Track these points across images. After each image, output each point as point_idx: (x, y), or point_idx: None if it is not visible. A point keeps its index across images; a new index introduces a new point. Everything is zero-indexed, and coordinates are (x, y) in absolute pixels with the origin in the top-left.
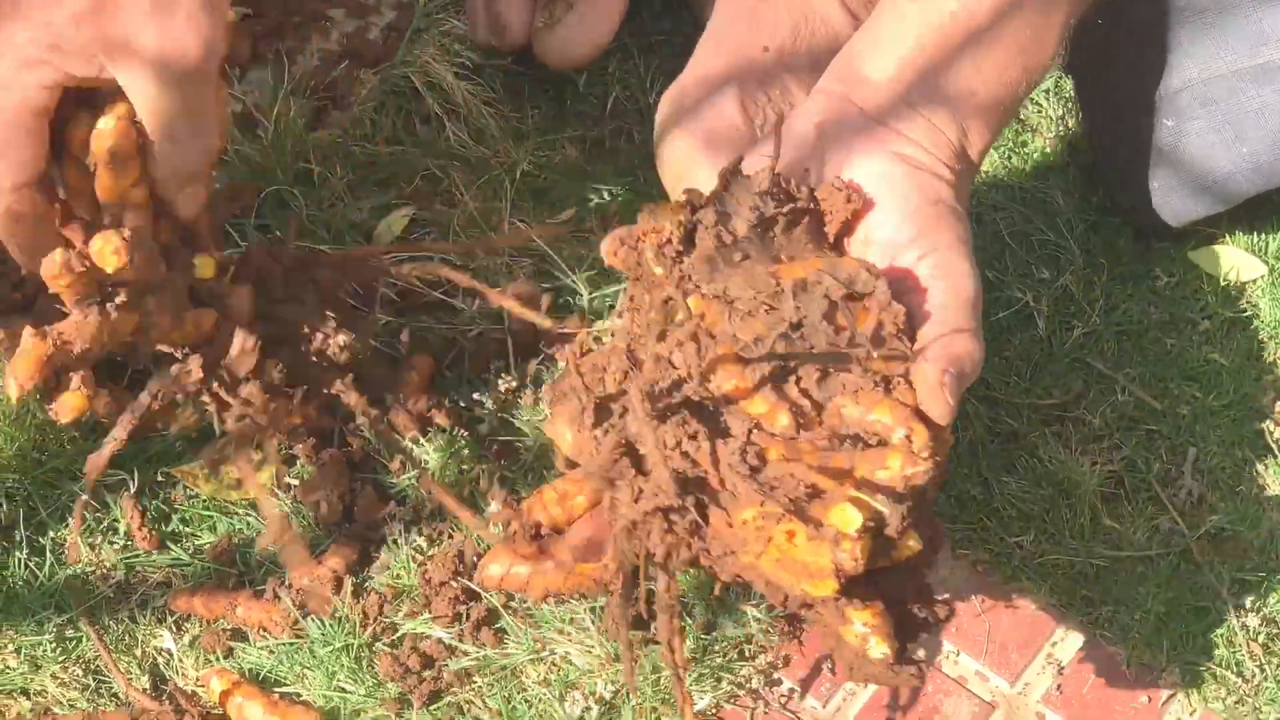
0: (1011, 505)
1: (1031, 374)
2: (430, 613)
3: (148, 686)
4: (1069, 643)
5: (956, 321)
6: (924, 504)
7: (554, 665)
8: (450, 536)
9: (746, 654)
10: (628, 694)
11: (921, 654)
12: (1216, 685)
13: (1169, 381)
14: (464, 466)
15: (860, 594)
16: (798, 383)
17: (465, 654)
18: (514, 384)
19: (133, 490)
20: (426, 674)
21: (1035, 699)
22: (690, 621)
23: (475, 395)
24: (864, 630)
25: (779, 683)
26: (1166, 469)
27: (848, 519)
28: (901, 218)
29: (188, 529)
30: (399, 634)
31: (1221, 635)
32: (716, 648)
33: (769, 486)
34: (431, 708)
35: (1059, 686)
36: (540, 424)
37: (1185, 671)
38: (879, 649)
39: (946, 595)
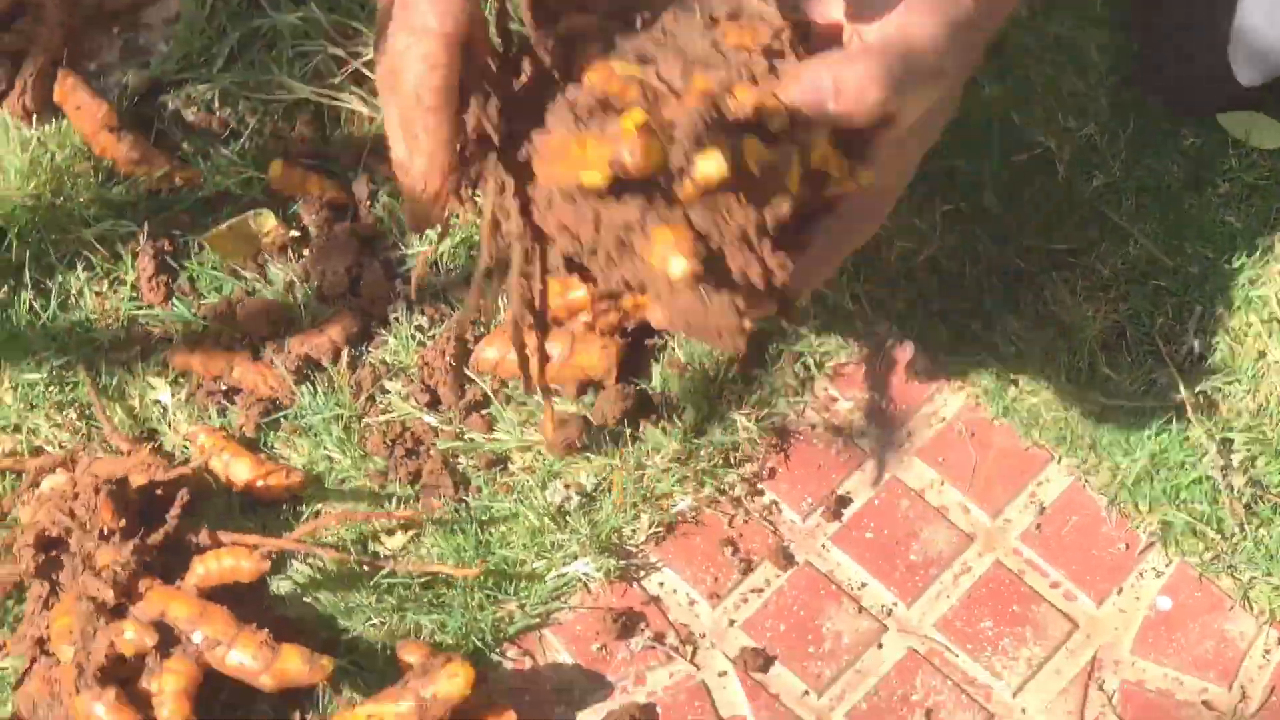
0: (1011, 344)
1: (1046, 219)
2: (423, 393)
3: (138, 437)
4: (1053, 484)
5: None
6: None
7: (539, 454)
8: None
9: (732, 461)
10: (609, 487)
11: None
12: (1195, 540)
13: (1183, 240)
14: (473, 251)
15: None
16: (658, 72)
17: (453, 436)
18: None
19: (143, 243)
20: (413, 453)
21: (1014, 535)
22: (679, 424)
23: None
24: (665, 249)
25: (761, 493)
26: (1170, 325)
27: (631, 119)
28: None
29: (196, 287)
30: (391, 413)
31: (1205, 492)
32: (703, 452)
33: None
34: (415, 486)
35: (1039, 526)
36: None
37: (1165, 523)
38: (678, 264)
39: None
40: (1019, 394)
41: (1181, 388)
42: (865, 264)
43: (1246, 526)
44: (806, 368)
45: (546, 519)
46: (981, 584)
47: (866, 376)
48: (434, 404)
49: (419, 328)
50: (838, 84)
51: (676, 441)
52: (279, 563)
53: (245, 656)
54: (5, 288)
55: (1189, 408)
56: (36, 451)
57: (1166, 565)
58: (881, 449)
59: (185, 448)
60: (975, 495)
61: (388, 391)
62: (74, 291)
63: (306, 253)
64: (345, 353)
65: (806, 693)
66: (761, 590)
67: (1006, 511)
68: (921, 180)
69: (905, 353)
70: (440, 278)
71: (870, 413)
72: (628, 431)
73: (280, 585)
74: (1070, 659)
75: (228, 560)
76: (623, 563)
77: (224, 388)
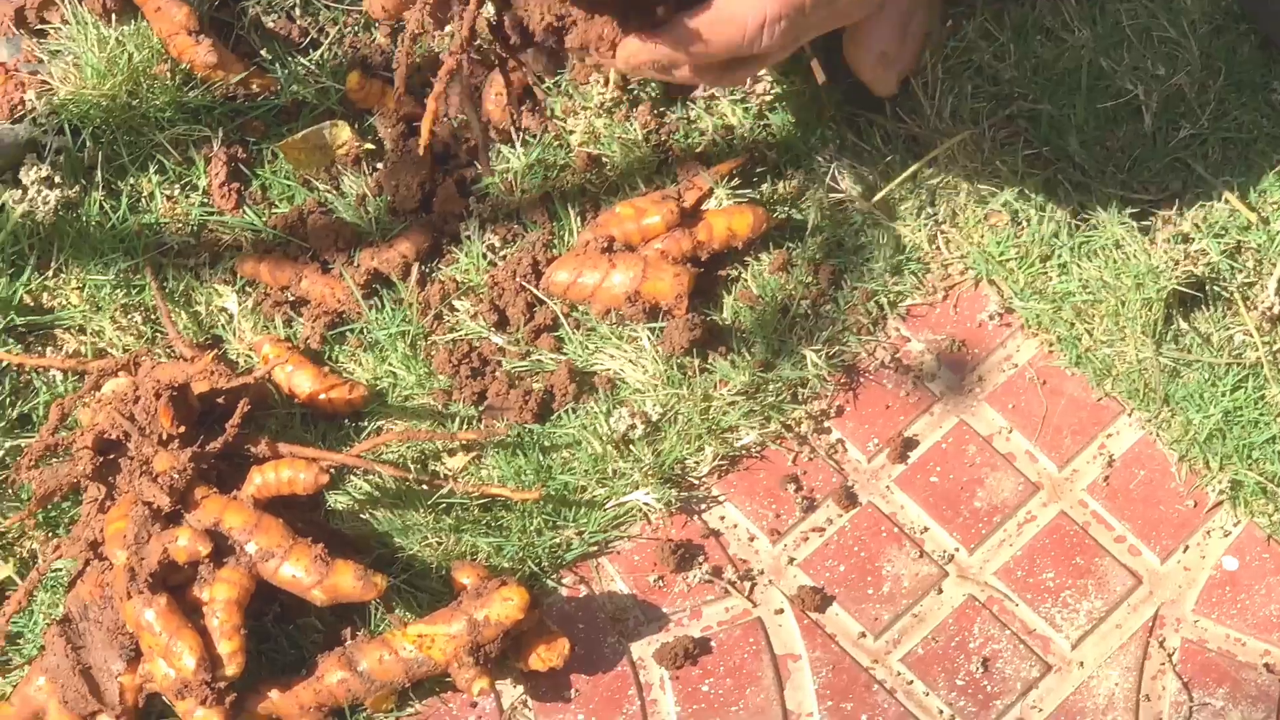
0: (1088, 293)
1: (1129, 167)
2: (491, 312)
3: (202, 344)
4: (1123, 437)
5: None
6: None
7: (605, 380)
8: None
9: (800, 397)
10: (674, 416)
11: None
12: (1265, 501)
13: (1269, 195)
14: (548, 173)
15: None
16: None
17: (519, 357)
18: (611, 96)
19: (217, 148)
20: (478, 373)
21: (1081, 486)
22: (748, 358)
23: (571, 103)
24: None
25: (827, 431)
26: (1250, 281)
27: None
28: None
29: (267, 196)
30: (458, 332)
31: (1278, 452)
32: (771, 387)
33: None
34: (478, 407)
35: (1106, 478)
36: (630, 142)
37: (1236, 482)
38: None
39: None
40: (1093, 344)
41: (1259, 345)
42: (945, 203)
43: None
44: (879, 306)
45: (609, 447)
46: (1045, 534)
47: (940, 318)
48: (502, 324)
49: (490, 247)
50: None
51: (745, 374)
52: (337, 478)
53: (298, 570)
54: (77, 186)
55: (1266, 366)
56: (100, 354)
57: (1235, 525)
58: (951, 392)
59: (249, 357)
60: (1044, 444)
61: (456, 310)
62: (145, 194)
63: (380, 166)
64: (415, 269)
65: (863, 635)
66: (823, 529)
67: (1075, 462)
68: (1005, 122)
69: (977, 294)
70: (515, 198)
71: (941, 355)
72: (695, 362)
73: (337, 500)
74: (1132, 615)
75: (286, 472)
76: (684, 494)
77: (291, 298)
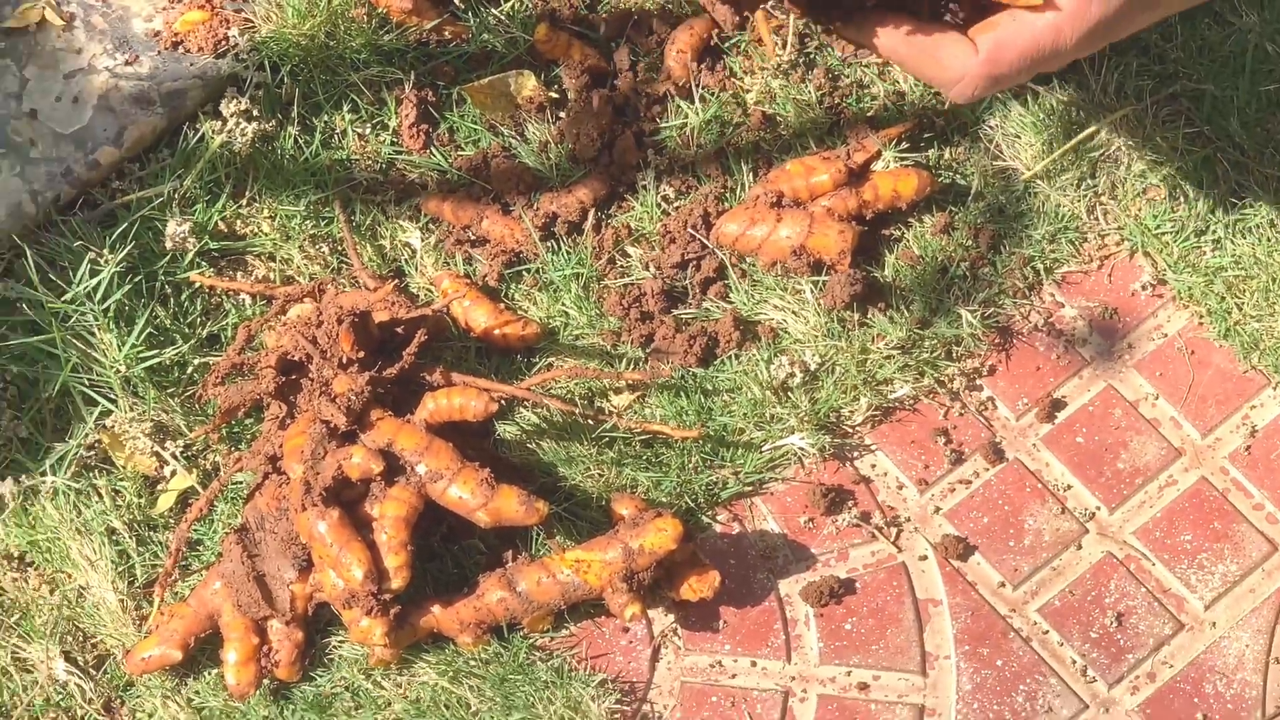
0: (1240, 267)
1: None
2: (663, 260)
3: (385, 276)
4: (1267, 409)
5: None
6: None
7: (768, 330)
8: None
9: (953, 355)
10: (832, 367)
11: None
12: None
13: None
14: (724, 129)
15: None
16: None
17: (686, 305)
18: (790, 56)
19: (408, 91)
20: (647, 317)
21: (1222, 454)
22: (906, 314)
23: (749, 62)
24: None
25: (979, 389)
26: None
27: None
28: None
29: (454, 138)
30: (630, 277)
31: None
32: (926, 343)
33: None
34: (645, 349)
35: (1248, 448)
36: (804, 103)
37: None
38: None
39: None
40: (1242, 318)
41: None
42: (1105, 176)
43: None
44: (1036, 272)
45: (768, 392)
46: (1185, 498)
47: (1093, 286)
48: (675, 271)
49: (665, 197)
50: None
51: (902, 330)
52: (506, 409)
53: (465, 492)
54: (273, 121)
55: None
56: (287, 280)
57: None
58: (1101, 358)
59: (428, 291)
60: (1188, 412)
61: (628, 255)
62: (337, 131)
63: (562, 115)
64: (591, 214)
65: (1002, 584)
66: (969, 482)
67: (1218, 431)
68: (1168, 100)
69: (1132, 265)
70: (691, 152)
71: (1093, 321)
72: (855, 315)
73: (506, 430)
74: (1266, 580)
75: (458, 399)
76: (837, 441)
77: (471, 237)
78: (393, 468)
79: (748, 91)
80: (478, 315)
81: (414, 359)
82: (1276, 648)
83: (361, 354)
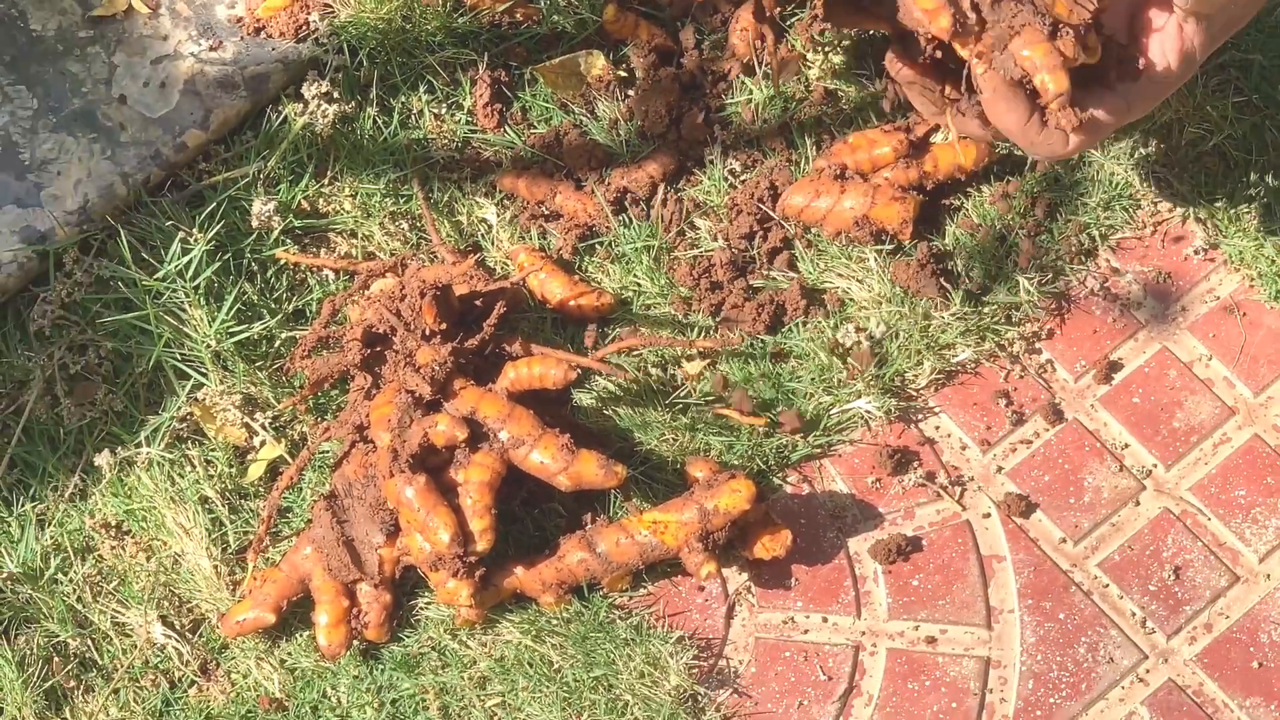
0: None
1: None
2: (731, 231)
3: (463, 250)
4: None
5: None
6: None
7: (834, 298)
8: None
9: (1013, 320)
10: (896, 333)
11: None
12: None
13: None
14: (787, 104)
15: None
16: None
17: (752, 274)
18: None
19: (482, 71)
20: (716, 286)
21: (1275, 412)
22: (967, 281)
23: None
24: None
25: (1038, 352)
26: None
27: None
28: None
29: (527, 117)
30: (699, 248)
31: None
32: (986, 309)
33: None
34: (715, 318)
35: None
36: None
37: None
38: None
39: None
40: None
41: None
42: (1157, 144)
43: None
44: (1091, 238)
45: (835, 358)
46: (1239, 455)
47: (1148, 251)
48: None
49: (731, 171)
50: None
51: (963, 296)
52: (583, 377)
53: (546, 457)
54: (353, 102)
55: None
56: (369, 256)
57: None
58: (1155, 320)
59: (505, 264)
60: (1241, 372)
61: (697, 228)
62: (414, 111)
63: (631, 93)
64: (661, 188)
65: (1063, 540)
66: (1030, 442)
67: (1270, 389)
68: (1217, 70)
69: (1185, 230)
70: (756, 127)
71: (1148, 286)
72: (937, 297)
73: (583, 398)
74: None
75: (537, 368)
76: (903, 404)
77: (546, 212)
78: (476, 435)
79: (810, 68)
80: (554, 287)
81: (494, 330)
82: None
83: (444, 326)
